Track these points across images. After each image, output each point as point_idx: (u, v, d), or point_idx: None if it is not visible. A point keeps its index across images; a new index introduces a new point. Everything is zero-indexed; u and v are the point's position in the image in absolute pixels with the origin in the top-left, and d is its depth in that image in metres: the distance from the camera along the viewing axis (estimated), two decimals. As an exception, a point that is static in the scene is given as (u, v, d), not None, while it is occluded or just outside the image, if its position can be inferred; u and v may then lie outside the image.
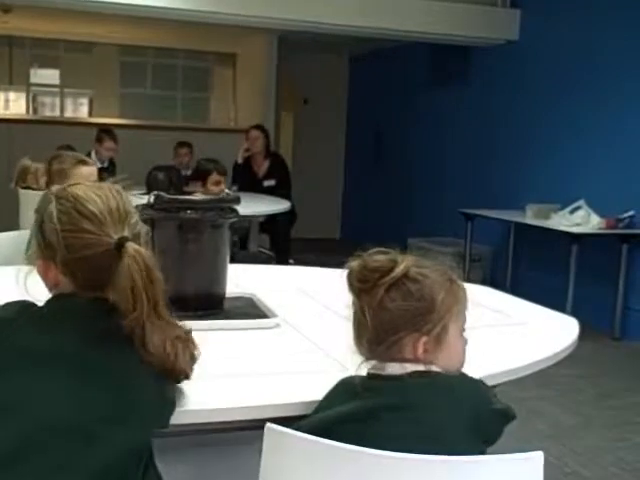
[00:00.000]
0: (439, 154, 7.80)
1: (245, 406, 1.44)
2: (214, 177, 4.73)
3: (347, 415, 1.32)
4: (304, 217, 7.14)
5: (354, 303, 1.38)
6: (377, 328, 1.34)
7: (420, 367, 1.35)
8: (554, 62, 6.22)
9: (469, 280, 6.75)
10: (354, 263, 1.38)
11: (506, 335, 2.05)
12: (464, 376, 1.40)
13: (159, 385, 1.28)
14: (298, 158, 9.51)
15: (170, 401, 1.31)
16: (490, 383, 1.88)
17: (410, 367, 1.35)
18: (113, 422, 1.20)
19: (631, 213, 5.31)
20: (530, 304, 2.35)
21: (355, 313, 1.38)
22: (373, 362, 1.38)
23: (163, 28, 7.57)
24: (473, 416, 1.33)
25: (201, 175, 4.79)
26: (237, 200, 2.06)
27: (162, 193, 1.97)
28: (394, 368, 1.35)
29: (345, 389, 1.38)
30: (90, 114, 9.46)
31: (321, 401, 1.39)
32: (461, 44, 6.89)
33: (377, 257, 1.37)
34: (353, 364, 1.41)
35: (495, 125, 6.94)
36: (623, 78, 5.54)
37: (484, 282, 6.66)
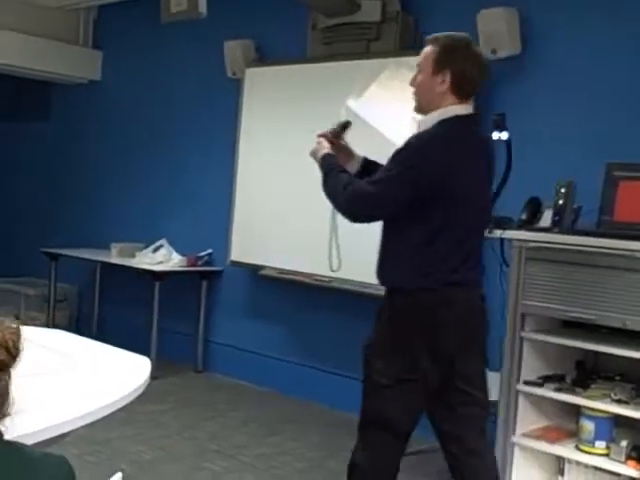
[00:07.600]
0: (15, 191, 7.40)
1: None
2: None
3: None
4: None
5: None
6: None
7: None
8: (134, 103, 6.38)
9: (54, 322, 6.46)
10: None
11: (77, 380, 2.03)
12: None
13: None
14: None
15: None
16: (64, 430, 1.85)
17: None
18: None
19: (209, 251, 5.65)
20: (103, 346, 2.36)
21: None
22: None
23: None
24: None
25: None
26: None
27: None
28: None
29: None
30: None
31: None
32: (40, 79, 6.72)
33: None
34: None
35: (78, 164, 6.84)
36: (195, 123, 5.87)
37: (70, 322, 6.51)
